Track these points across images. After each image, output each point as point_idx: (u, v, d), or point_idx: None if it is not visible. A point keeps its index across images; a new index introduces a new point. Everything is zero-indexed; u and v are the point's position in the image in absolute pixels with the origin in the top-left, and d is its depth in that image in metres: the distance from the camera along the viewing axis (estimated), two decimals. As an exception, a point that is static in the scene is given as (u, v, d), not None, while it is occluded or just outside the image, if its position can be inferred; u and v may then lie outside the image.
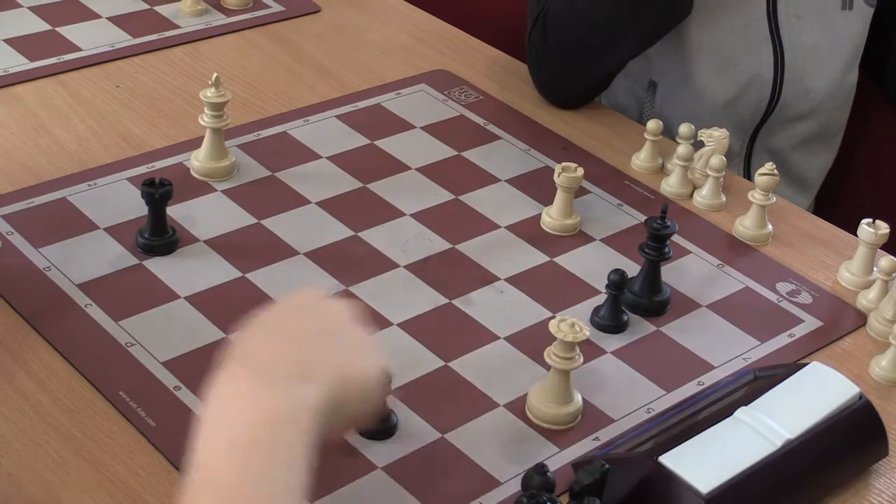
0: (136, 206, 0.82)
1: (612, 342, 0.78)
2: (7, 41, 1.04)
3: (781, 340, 0.81)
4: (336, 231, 0.86)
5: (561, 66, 1.06)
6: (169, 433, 0.64)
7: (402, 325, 0.77)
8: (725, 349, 0.80)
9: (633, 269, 0.81)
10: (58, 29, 1.07)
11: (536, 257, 0.86)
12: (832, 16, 1.10)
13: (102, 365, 0.69)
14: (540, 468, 0.61)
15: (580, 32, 1.03)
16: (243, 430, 0.48)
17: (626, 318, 0.80)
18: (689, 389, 0.75)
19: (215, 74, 0.86)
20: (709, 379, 0.77)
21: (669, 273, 0.84)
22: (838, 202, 1.19)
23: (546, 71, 1.06)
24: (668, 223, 0.78)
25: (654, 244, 0.80)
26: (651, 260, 0.80)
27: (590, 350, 0.75)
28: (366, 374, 0.56)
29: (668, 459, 0.65)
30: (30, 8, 1.10)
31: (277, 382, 0.50)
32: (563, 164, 0.85)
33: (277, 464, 0.48)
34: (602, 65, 1.04)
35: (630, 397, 0.75)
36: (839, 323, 0.85)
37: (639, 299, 0.81)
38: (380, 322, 0.78)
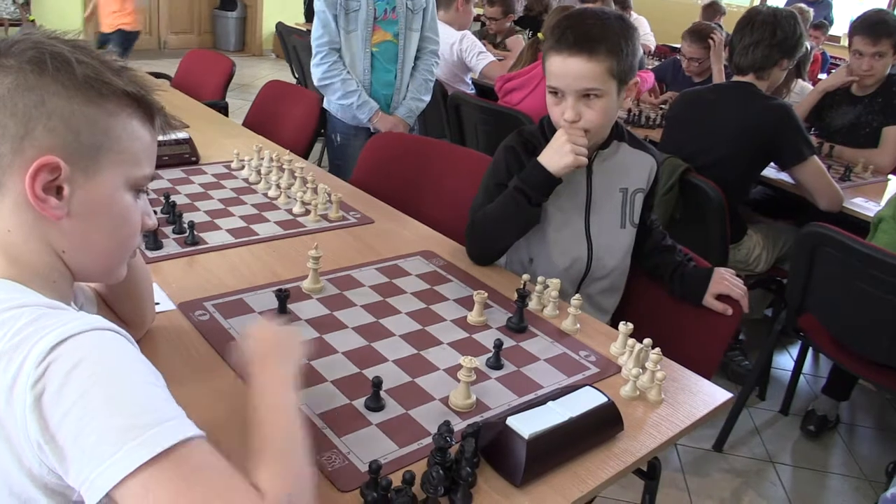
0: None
1: (494, 373, 1.20)
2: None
3: (578, 377, 1.24)
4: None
5: (476, 247, 1.62)
6: None
7: (395, 362, 1.23)
8: (550, 379, 1.23)
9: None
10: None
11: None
12: (616, 230, 1.64)
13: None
14: (446, 423, 0.99)
15: (486, 233, 1.59)
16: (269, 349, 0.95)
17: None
18: (530, 395, 1.17)
19: (315, 244, 1.43)
20: (541, 391, 1.18)
21: (530, 347, 1.30)
22: (620, 319, 1.56)
23: (470, 248, 1.61)
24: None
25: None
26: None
27: (480, 375, 1.18)
28: (299, 355, 0.99)
29: (510, 421, 0.99)
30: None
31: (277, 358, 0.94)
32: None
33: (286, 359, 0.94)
34: (497, 249, 1.53)
35: (499, 398, 1.15)
36: (608, 370, 1.29)
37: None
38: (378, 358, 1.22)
